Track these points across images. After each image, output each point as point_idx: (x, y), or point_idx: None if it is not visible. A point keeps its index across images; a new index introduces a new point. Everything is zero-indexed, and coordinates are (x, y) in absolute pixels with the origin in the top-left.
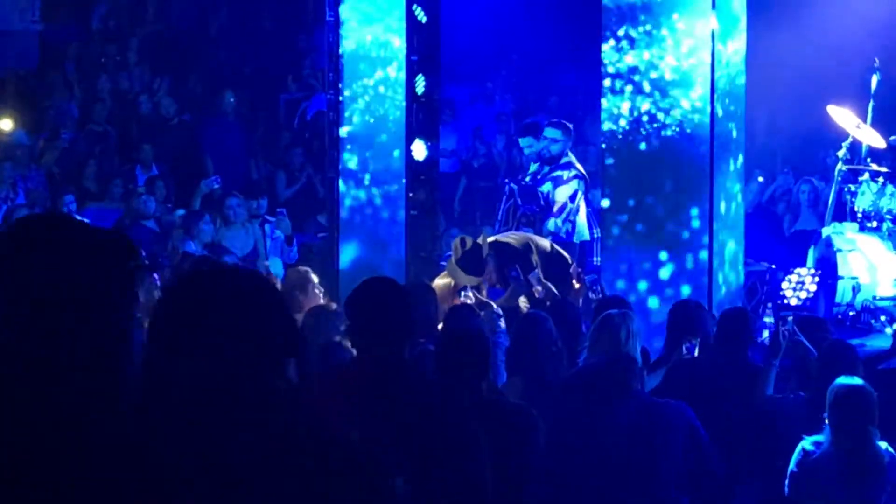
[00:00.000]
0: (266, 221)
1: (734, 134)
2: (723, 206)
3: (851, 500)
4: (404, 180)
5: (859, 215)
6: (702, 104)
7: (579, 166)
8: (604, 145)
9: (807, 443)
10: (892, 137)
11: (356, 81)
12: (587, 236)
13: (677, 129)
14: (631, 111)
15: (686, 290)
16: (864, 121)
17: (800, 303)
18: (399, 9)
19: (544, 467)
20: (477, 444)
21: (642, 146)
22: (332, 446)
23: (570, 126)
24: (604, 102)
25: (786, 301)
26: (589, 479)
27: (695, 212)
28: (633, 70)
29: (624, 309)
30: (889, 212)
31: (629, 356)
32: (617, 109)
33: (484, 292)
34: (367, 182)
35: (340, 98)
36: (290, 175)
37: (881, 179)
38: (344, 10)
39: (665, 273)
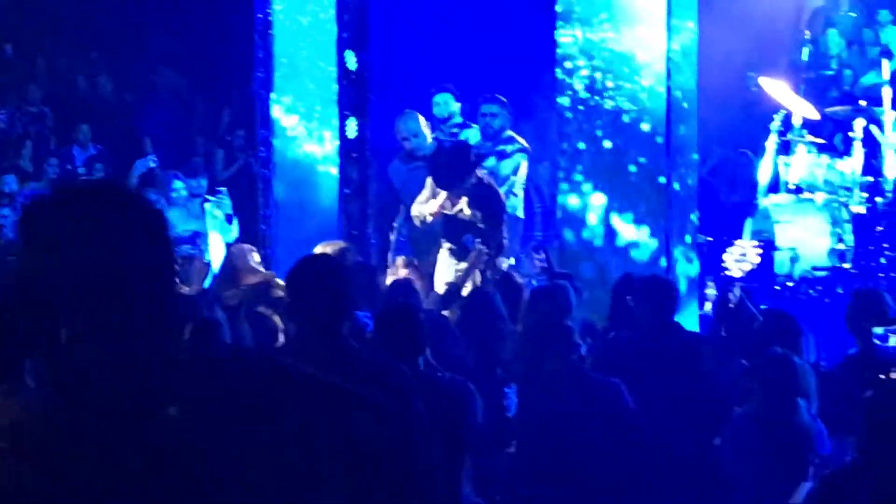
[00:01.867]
0: (206, 200)
1: (686, 106)
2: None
3: (774, 470)
4: (338, 158)
5: (792, 186)
6: (657, 79)
7: (521, 140)
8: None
9: (738, 412)
10: (828, 110)
11: (287, 59)
12: (521, 213)
13: (634, 105)
14: (586, 89)
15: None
16: (797, 93)
17: (743, 274)
18: None
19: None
20: (419, 419)
21: (598, 125)
22: None
23: (505, 100)
24: (559, 77)
25: (729, 273)
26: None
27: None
28: (587, 46)
29: (563, 282)
30: (825, 182)
31: (566, 328)
32: (570, 86)
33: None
34: (299, 160)
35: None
36: (228, 155)
37: (814, 150)
38: None
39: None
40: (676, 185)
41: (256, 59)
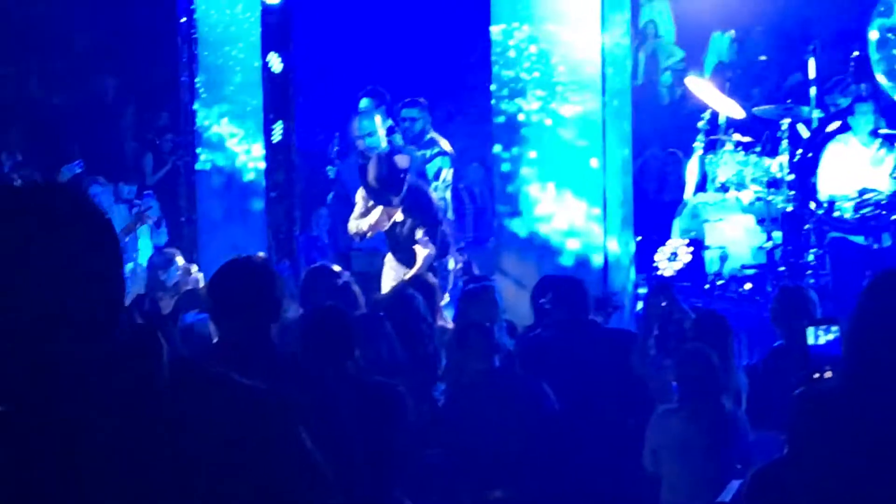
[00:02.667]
0: (134, 206)
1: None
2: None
3: (700, 465)
4: (265, 162)
5: (717, 185)
6: (592, 74)
7: (443, 143)
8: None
9: (660, 409)
10: (756, 109)
11: (212, 62)
12: (451, 214)
13: (570, 101)
14: (522, 85)
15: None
16: (723, 91)
17: (674, 273)
18: None
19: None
20: (341, 424)
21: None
22: None
23: (425, 101)
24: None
25: (660, 272)
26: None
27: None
28: (521, 42)
29: (490, 283)
30: (753, 181)
31: (483, 328)
32: (505, 82)
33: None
34: (225, 163)
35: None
36: (157, 158)
37: (741, 149)
38: None
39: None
40: (611, 165)
41: (181, 62)
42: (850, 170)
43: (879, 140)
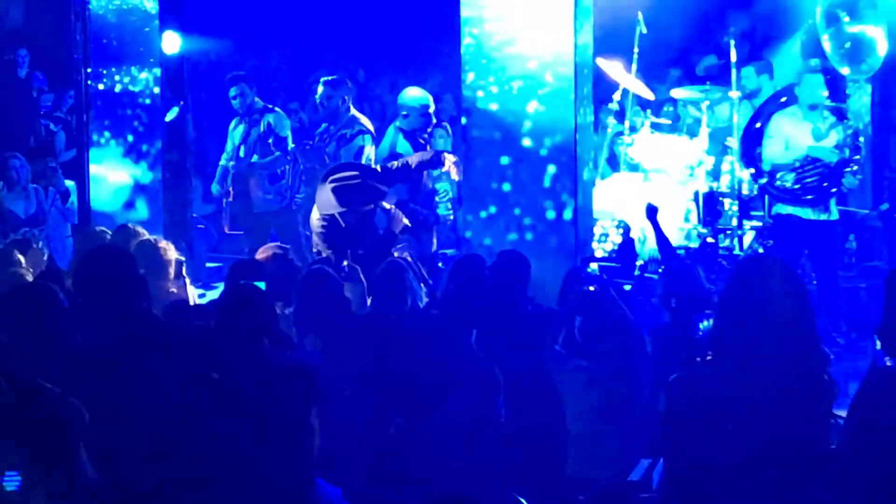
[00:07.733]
0: (48, 184)
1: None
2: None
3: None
4: (160, 141)
5: (625, 167)
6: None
7: (364, 121)
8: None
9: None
10: (674, 91)
11: (106, 38)
12: None
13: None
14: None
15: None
16: (632, 72)
17: (605, 254)
18: None
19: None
20: (244, 400)
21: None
22: None
23: (336, 77)
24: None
25: (592, 253)
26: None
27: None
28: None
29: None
30: (669, 162)
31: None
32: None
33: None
34: (122, 142)
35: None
36: (69, 136)
37: (655, 131)
38: None
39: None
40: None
41: (74, 41)
42: (793, 141)
43: (824, 112)
